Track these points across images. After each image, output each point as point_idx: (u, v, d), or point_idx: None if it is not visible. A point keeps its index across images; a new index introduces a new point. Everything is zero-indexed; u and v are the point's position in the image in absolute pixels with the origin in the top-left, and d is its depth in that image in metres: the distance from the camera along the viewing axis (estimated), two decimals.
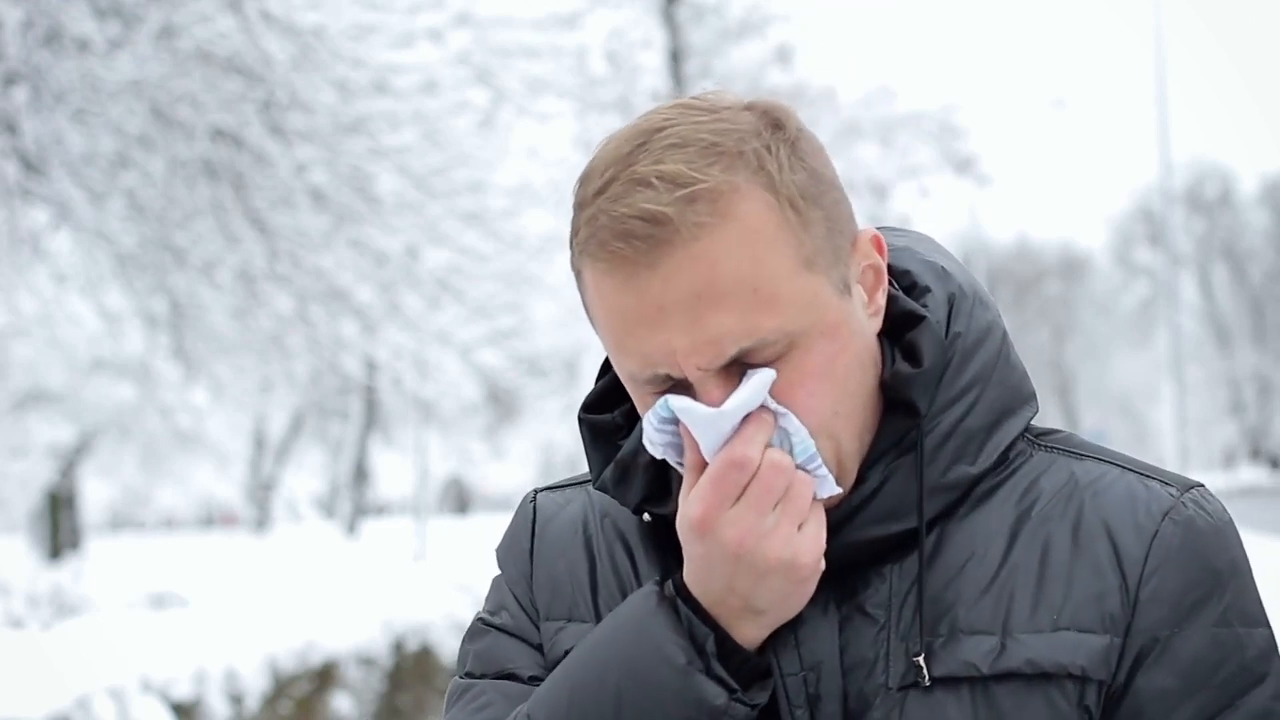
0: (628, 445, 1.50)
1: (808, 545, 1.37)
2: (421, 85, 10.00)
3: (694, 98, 1.41)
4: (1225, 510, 1.47)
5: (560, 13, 11.40)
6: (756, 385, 1.36)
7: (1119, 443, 55.05)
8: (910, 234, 1.57)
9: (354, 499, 32.18)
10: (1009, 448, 1.48)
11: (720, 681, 1.37)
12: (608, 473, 1.50)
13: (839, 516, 1.42)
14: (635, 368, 1.39)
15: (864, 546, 1.43)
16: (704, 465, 1.38)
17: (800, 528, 1.37)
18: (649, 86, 19.47)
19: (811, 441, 1.38)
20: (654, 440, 1.40)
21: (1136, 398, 60.15)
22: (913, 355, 1.45)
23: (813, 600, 1.43)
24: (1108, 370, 61.21)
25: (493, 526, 32.45)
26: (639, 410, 1.44)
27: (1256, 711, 1.42)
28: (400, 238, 10.23)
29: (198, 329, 10.65)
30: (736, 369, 1.37)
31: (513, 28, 10.88)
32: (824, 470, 1.39)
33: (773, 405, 1.37)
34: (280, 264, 9.98)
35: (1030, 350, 60.41)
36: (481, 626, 1.57)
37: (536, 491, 1.63)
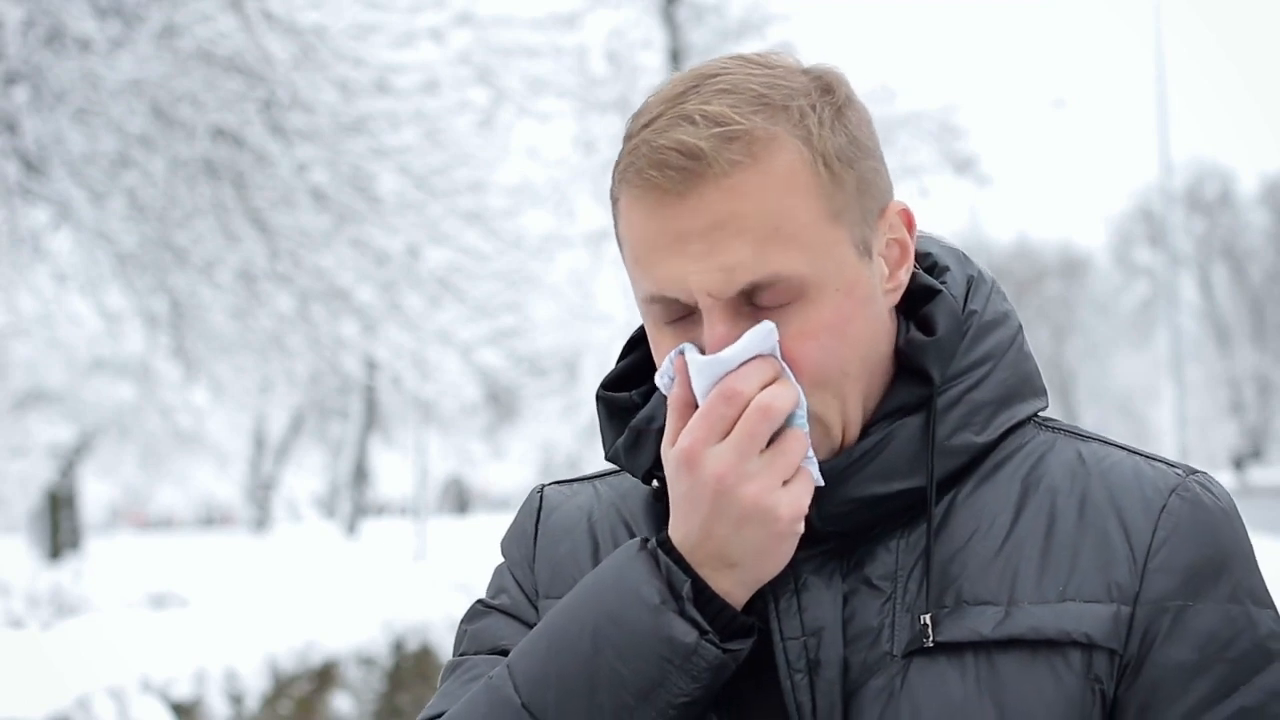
0: (644, 411, 1.53)
1: (788, 500, 1.38)
2: (422, 85, 10.00)
3: (753, 54, 1.46)
4: (1229, 495, 1.49)
5: (560, 13, 11.41)
6: (756, 335, 1.38)
7: None
8: (931, 233, 1.60)
9: (354, 499, 32.16)
10: (1016, 427, 1.49)
11: (692, 622, 1.38)
12: (621, 439, 1.53)
13: (838, 466, 1.43)
14: (651, 289, 1.42)
15: (866, 505, 1.44)
16: (689, 403, 1.40)
17: (786, 484, 1.38)
18: (649, 86, 19.46)
19: (806, 422, 1.39)
20: (664, 371, 1.43)
21: (1136, 398, 60.15)
22: (927, 326, 1.47)
23: (818, 569, 1.44)
24: (1108, 370, 61.21)
25: (493, 526, 32.42)
26: (653, 349, 1.47)
27: (1272, 689, 1.42)
28: (401, 237, 10.23)
29: (198, 329, 10.65)
30: (747, 308, 1.40)
31: (513, 27, 10.88)
32: (811, 454, 1.40)
33: (785, 369, 1.39)
34: (281, 263, 9.98)
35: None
36: (480, 609, 1.60)
37: (544, 485, 1.66)
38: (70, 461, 22.89)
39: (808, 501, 1.39)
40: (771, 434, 1.38)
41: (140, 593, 12.79)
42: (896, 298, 1.47)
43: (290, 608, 10.78)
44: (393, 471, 42.99)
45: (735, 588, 1.40)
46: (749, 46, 21.21)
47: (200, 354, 11.05)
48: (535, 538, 1.60)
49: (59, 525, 23.26)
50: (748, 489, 1.37)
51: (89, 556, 20.63)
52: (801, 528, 1.40)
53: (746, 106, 1.39)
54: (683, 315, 1.42)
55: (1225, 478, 56.18)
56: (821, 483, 1.41)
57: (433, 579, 14.39)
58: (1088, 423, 59.79)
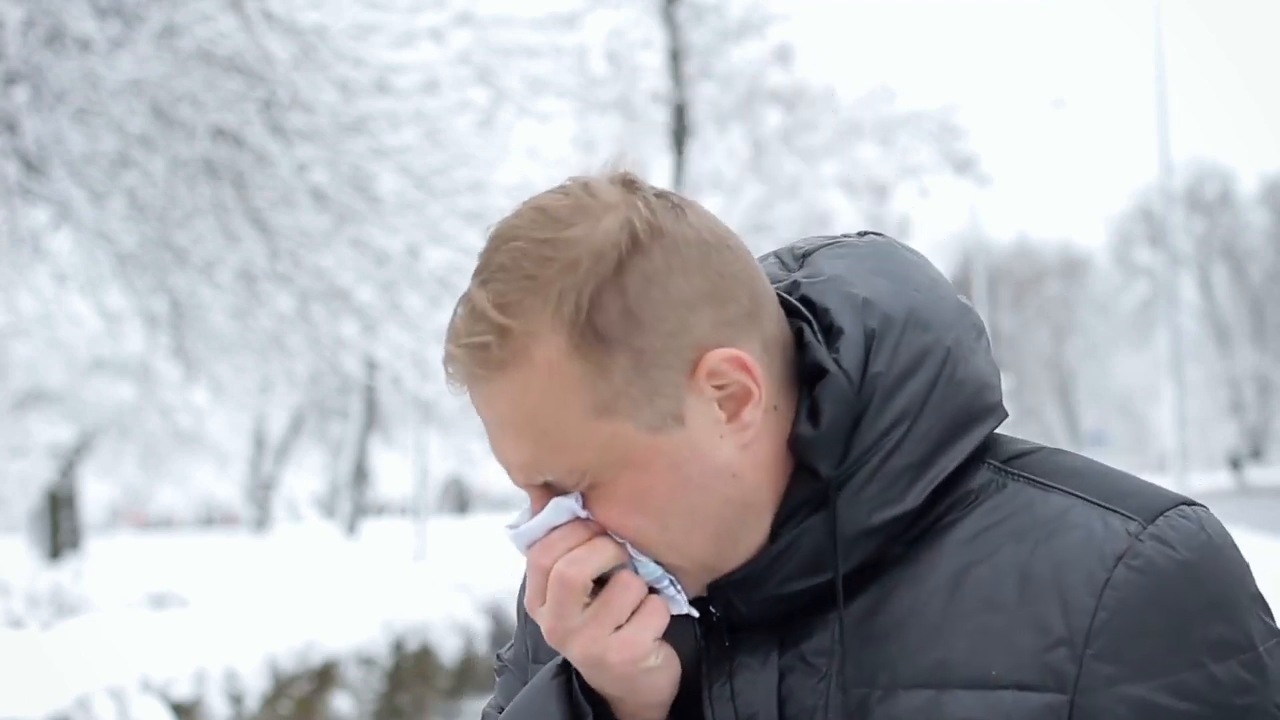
0: None
1: (617, 647, 1.36)
2: (422, 85, 10.01)
3: (565, 194, 1.37)
4: (1205, 529, 1.34)
5: (560, 13, 11.43)
6: (555, 508, 1.37)
7: (1119, 443, 55.05)
8: (855, 250, 1.46)
9: (354, 499, 32.14)
10: (966, 476, 1.40)
11: None
12: None
13: (748, 573, 1.38)
14: None
15: (790, 599, 1.39)
16: None
17: (620, 627, 1.36)
18: (649, 86, 19.50)
19: (653, 564, 1.37)
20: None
21: (1136, 398, 60.24)
22: (817, 414, 1.38)
23: (752, 650, 1.40)
24: (1108, 370, 61.30)
25: (493, 527, 32.37)
26: None
27: None
28: (401, 237, 10.24)
29: (198, 329, 10.66)
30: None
31: (513, 27, 10.90)
32: (672, 591, 1.38)
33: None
34: (281, 263, 9.99)
35: (1030, 350, 60.45)
36: (498, 663, 1.62)
37: None
38: (70, 461, 22.89)
39: (650, 636, 1.37)
40: (583, 595, 1.36)
41: (140, 593, 12.78)
42: (750, 434, 1.37)
43: (290, 608, 10.78)
44: (393, 471, 42.95)
45: (639, 710, 1.40)
46: (749, 46, 21.25)
47: (200, 354, 11.06)
48: None
49: (59, 525, 23.26)
50: (573, 644, 1.37)
51: (89, 556, 20.61)
52: (653, 661, 1.38)
53: (514, 294, 1.33)
54: None
55: (1223, 478, 56.24)
56: (690, 610, 1.39)
57: (433, 579, 14.40)
58: (1088, 423, 59.79)
